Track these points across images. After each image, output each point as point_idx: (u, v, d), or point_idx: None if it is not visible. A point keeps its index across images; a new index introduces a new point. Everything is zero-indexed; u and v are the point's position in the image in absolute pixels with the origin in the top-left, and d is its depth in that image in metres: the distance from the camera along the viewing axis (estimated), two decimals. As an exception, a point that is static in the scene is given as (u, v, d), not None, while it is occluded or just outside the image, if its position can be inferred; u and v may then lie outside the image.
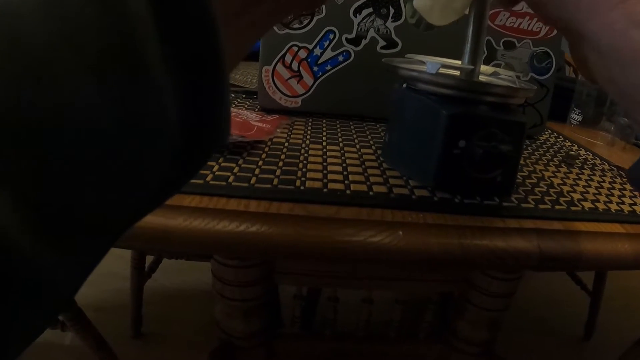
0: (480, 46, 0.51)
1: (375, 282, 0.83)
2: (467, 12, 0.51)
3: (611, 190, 0.61)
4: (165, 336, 1.48)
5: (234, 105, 0.79)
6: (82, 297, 1.14)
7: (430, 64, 0.51)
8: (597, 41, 0.32)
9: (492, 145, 0.48)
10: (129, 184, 0.17)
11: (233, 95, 0.89)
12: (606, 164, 0.74)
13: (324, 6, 0.71)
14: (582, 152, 0.80)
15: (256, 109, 0.77)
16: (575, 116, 1.03)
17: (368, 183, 0.51)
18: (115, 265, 1.65)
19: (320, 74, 0.74)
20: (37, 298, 0.15)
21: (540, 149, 0.77)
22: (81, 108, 0.15)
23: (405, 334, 0.97)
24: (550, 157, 0.72)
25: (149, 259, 1.42)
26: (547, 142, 0.83)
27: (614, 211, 0.54)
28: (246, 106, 0.80)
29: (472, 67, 0.52)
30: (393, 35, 0.73)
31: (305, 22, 0.71)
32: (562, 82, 1.09)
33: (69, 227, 0.16)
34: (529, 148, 0.76)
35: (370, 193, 0.48)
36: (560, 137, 0.89)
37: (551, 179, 0.62)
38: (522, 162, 0.67)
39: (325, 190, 0.48)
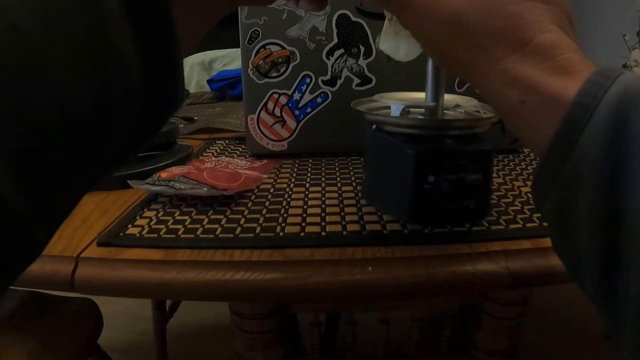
0: (440, 81, 0.55)
1: (389, 303, 0.85)
2: None
3: (590, 199, 0.63)
4: (192, 373, 1.52)
5: (225, 154, 0.84)
6: (108, 341, 1.18)
7: (395, 106, 0.55)
8: (485, 100, 0.35)
9: (460, 177, 0.52)
10: (99, 143, 0.23)
11: (227, 142, 0.94)
12: (591, 170, 0.76)
13: (297, 53, 0.75)
14: (567, 160, 0.82)
15: (247, 156, 0.82)
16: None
17: (343, 222, 0.55)
18: (137, 308, 1.71)
19: (302, 116, 0.78)
20: (18, 239, 0.20)
21: (522, 163, 0.79)
22: (68, 91, 0.20)
23: (425, 350, 0.98)
24: (531, 171, 0.75)
25: (170, 299, 1.46)
26: (531, 155, 0.85)
27: (589, 221, 0.57)
28: (238, 153, 0.85)
29: (434, 103, 0.56)
30: (366, 72, 0.77)
31: (282, 70, 0.76)
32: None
33: (50, 181, 0.21)
34: (510, 164, 0.79)
35: (344, 232, 0.52)
36: (546, 147, 0.91)
37: (528, 195, 0.64)
38: (500, 180, 0.70)
39: (302, 234, 0.52)
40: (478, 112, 0.59)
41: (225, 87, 1.46)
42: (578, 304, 1.82)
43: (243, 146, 0.88)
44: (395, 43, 0.54)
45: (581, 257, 0.27)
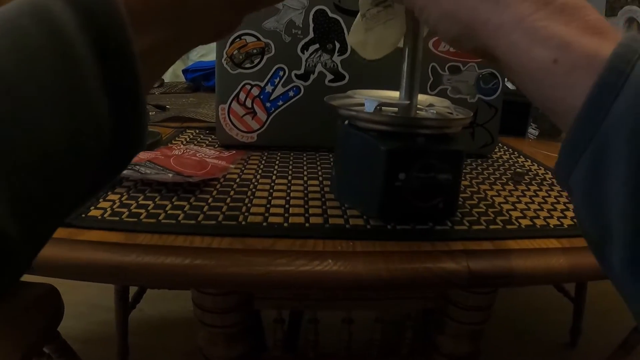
0: (415, 80, 0.55)
1: (353, 303, 0.85)
2: (400, 45, 0.54)
3: (555, 205, 0.64)
4: (152, 365, 1.50)
5: (194, 143, 0.83)
6: (68, 329, 1.16)
7: (368, 103, 0.55)
8: (508, 63, 0.33)
9: (430, 176, 0.52)
10: (73, 181, 0.27)
11: (197, 131, 0.93)
12: (557, 178, 0.77)
13: (272, 45, 0.75)
14: (535, 167, 0.83)
15: (216, 146, 0.81)
16: (532, 130, 1.07)
17: (306, 215, 0.54)
18: (100, 298, 1.68)
19: (273, 109, 0.78)
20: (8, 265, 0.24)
21: (490, 168, 0.80)
22: (41, 125, 0.23)
23: (387, 351, 0.98)
24: (498, 176, 0.76)
25: (133, 289, 1.44)
26: (500, 160, 0.86)
27: (552, 226, 0.57)
28: (207, 143, 0.84)
29: (407, 102, 0.56)
30: (340, 69, 0.77)
31: (256, 61, 0.75)
32: (524, 98, 1.13)
33: (35, 212, 0.25)
34: (478, 168, 0.80)
35: (307, 225, 0.52)
36: (515, 153, 0.92)
37: (494, 198, 0.65)
38: (467, 183, 0.71)
39: (264, 224, 0.51)
40: (450, 113, 0.59)
41: (200, 78, 1.44)
42: (542, 312, 1.84)
43: (213, 136, 0.87)
44: (363, 39, 0.54)
45: (611, 227, 0.26)
